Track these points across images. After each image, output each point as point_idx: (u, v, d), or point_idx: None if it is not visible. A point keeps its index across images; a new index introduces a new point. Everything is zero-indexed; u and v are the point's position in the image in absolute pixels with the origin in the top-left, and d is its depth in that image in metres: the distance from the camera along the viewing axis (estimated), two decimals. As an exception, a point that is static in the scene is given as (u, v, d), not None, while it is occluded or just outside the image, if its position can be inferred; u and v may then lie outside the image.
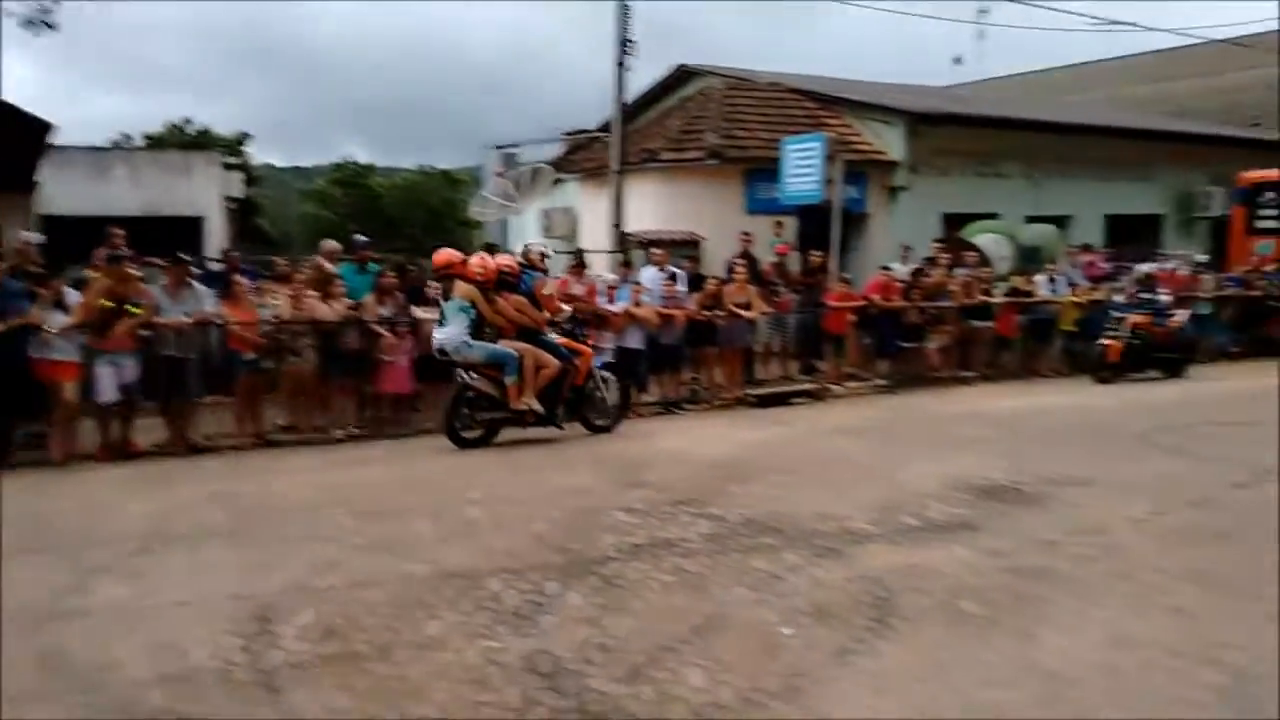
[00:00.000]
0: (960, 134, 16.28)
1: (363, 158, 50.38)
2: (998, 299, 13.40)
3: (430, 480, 7.31)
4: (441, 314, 8.69)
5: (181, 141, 30.14)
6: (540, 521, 6.03)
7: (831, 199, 12.68)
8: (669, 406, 10.99)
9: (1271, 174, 17.24)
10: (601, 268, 12.55)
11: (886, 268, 12.96)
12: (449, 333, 8.47)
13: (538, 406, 8.62)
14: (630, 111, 18.09)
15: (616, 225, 13.46)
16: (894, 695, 3.78)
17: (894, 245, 13.91)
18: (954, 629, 4.43)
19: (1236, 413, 10.32)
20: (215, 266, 12.16)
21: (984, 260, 13.95)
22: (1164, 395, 11.86)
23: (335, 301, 9.32)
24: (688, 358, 11.32)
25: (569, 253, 11.53)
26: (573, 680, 3.87)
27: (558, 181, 17.26)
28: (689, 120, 15.31)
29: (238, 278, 9.42)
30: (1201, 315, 15.31)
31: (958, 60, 27.47)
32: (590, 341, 9.46)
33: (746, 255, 12.49)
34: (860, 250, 15.89)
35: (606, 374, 9.49)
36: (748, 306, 11.55)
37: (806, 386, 12.08)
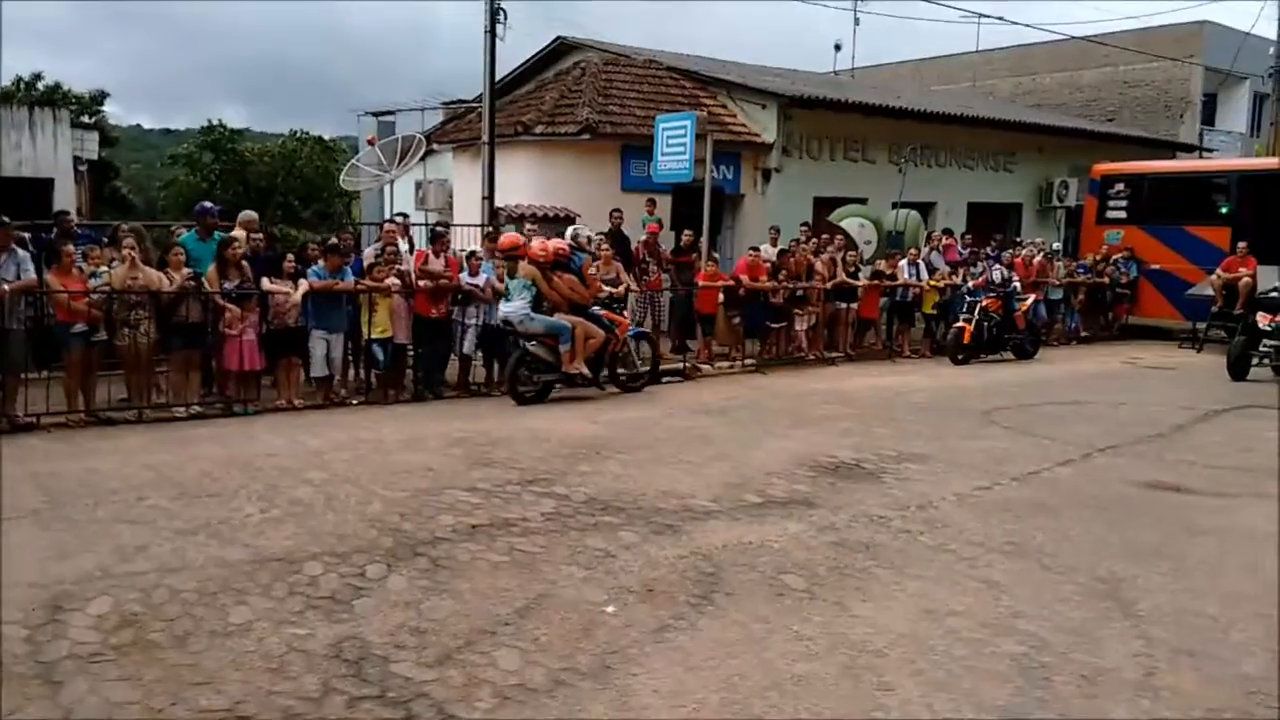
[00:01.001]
0: (831, 119, 16.60)
1: (239, 122, 48.11)
2: (862, 281, 13.76)
3: (268, 460, 7.00)
4: (506, 290, 9.83)
5: (30, 100, 28.04)
6: (377, 502, 5.85)
7: (703, 178, 12.73)
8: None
9: (1122, 167, 18.19)
10: (473, 241, 12.29)
11: (755, 248, 13.11)
12: (514, 306, 9.62)
13: (586, 370, 9.90)
14: (508, 84, 17.84)
15: (488, 198, 13.20)
16: (705, 671, 3.81)
17: (767, 226, 14.08)
18: (774, 603, 4.50)
19: (1076, 393, 10.90)
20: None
21: (850, 244, 14.27)
22: (1013, 376, 12.42)
23: (175, 272, 8.82)
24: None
25: (433, 225, 11.23)
26: (378, 667, 3.75)
27: (431, 152, 16.82)
28: (564, 94, 15.10)
29: (67, 244, 8.79)
30: (1053, 300, 16.14)
31: (838, 46, 28.00)
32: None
33: (616, 233, 12.43)
34: (734, 230, 16.09)
35: (638, 341, 10.81)
36: (616, 283, 11.51)
37: (677, 365, 12.15)
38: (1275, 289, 12.37)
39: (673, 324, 12.96)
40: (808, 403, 10.07)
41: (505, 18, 12.92)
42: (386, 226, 10.96)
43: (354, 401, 9.78)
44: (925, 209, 17.55)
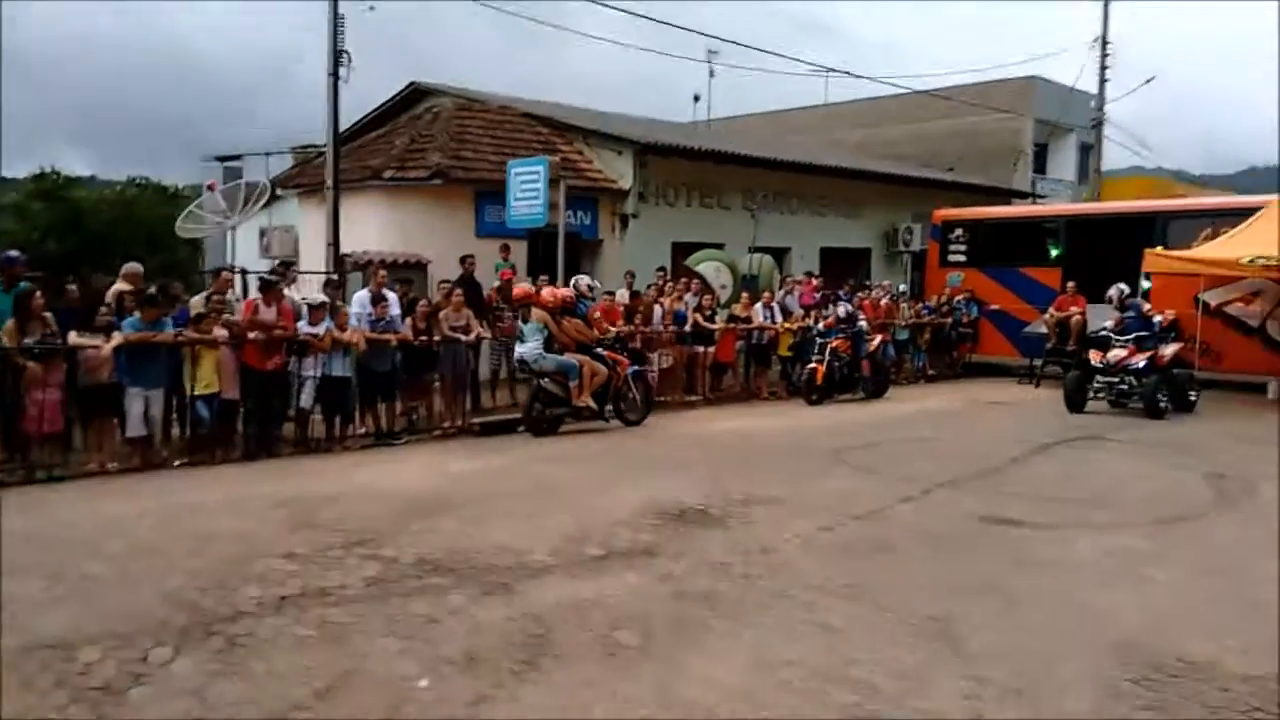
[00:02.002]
0: (687, 166, 16.85)
1: (85, 170, 45.44)
2: (718, 325, 13.86)
3: (67, 532, 6.32)
4: (521, 333, 10.83)
5: None
6: (177, 575, 5.31)
7: (557, 223, 12.61)
8: (382, 438, 10.35)
9: (961, 212, 19.13)
10: (314, 289, 11.73)
11: (610, 292, 13.04)
12: (530, 347, 10.65)
13: (593, 404, 10.88)
14: (360, 130, 17.39)
15: (332, 244, 12.67)
16: (520, 746, 3.52)
17: (625, 272, 14.06)
18: (604, 664, 4.25)
19: (920, 430, 11.18)
20: None
21: (706, 288, 14.39)
22: (864, 415, 12.66)
23: (-36, 326, 7.99)
24: (403, 386, 10.75)
25: (264, 274, 10.65)
26: (141, 768, 3.29)
27: (277, 198, 16.15)
28: (415, 139, 14.77)
29: None
30: (901, 341, 16.70)
31: (696, 98, 28.73)
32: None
33: (467, 279, 12.12)
34: (593, 276, 15.98)
35: (634, 379, 11.54)
36: (467, 330, 11.18)
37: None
38: (1104, 328, 13.09)
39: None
40: (663, 448, 9.95)
41: (349, 60, 12.55)
42: (223, 274, 10.36)
43: (176, 464, 9.04)
44: (780, 254, 17.96)
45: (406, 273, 13.00)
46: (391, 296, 10.73)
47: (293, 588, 5.13)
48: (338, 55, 12.40)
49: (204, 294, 9.86)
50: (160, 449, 9.15)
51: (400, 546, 5.95)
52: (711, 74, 26.96)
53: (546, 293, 11.02)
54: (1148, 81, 24.51)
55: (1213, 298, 14.72)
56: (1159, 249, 14.20)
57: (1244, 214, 14.13)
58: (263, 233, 16.46)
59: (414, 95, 17.72)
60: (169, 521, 6.57)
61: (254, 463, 9.15)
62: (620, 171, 15.90)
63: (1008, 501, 7.46)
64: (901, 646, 4.52)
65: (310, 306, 10.06)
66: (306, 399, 9.80)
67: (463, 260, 12.36)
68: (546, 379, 10.70)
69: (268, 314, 9.52)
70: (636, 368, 11.79)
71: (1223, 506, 7.51)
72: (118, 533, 6.25)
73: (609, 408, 11.20)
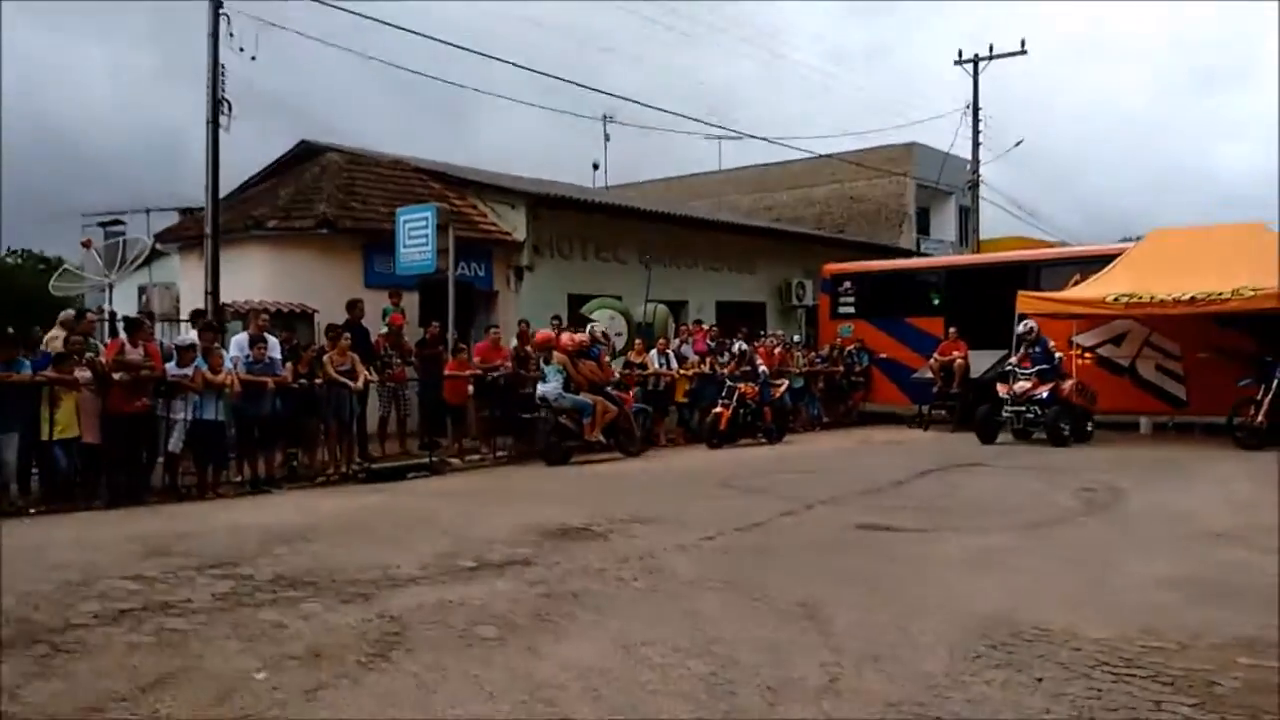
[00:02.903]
0: (582, 220, 17.04)
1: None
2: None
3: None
4: (543, 374, 11.85)
5: None
6: (9, 597, 4.91)
7: (446, 269, 12.54)
8: (261, 486, 9.92)
9: (849, 266, 19.76)
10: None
11: (493, 326, 13.09)
12: (551, 387, 11.63)
13: (602, 439, 11.94)
14: (247, 186, 17.10)
15: (211, 292, 12.30)
16: (357, 724, 3.32)
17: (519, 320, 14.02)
18: (459, 653, 4.09)
19: (809, 466, 11.31)
20: None
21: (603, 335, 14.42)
22: (762, 454, 12.80)
23: None
24: (284, 432, 10.37)
25: (126, 317, 10.26)
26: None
27: (158, 254, 15.67)
28: (301, 190, 14.58)
29: None
30: (797, 389, 16.98)
31: (596, 165, 29.27)
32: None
33: (355, 326, 11.86)
34: (499, 331, 15.87)
35: (638, 415, 12.72)
36: (353, 376, 10.91)
37: (423, 461, 11.56)
38: (1009, 363, 13.74)
39: (421, 418, 12.42)
40: (551, 485, 9.81)
41: (230, 109, 12.40)
42: (88, 316, 9.92)
43: (32, 511, 8.48)
44: (678, 307, 18.19)
45: (292, 322, 12.69)
46: (272, 340, 10.41)
47: (134, 603, 4.82)
48: (217, 104, 12.23)
49: (63, 334, 9.40)
50: (15, 498, 8.59)
51: (258, 567, 5.67)
52: (608, 138, 27.54)
53: (565, 338, 12.16)
54: (1016, 144, 26.15)
55: (1085, 340, 15.46)
56: (1030, 292, 14.88)
57: (1108, 260, 14.97)
58: (142, 290, 15.89)
59: (305, 153, 17.54)
60: (11, 556, 6.12)
61: (118, 510, 8.64)
62: (514, 224, 15.97)
63: (885, 513, 7.56)
64: (766, 627, 4.49)
65: (179, 348, 9.68)
66: (175, 443, 9.35)
67: (350, 306, 12.12)
68: (563, 415, 11.67)
69: (134, 354, 9.11)
70: (639, 406, 12.94)
71: (1089, 513, 7.77)
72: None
73: (614, 440, 12.20)
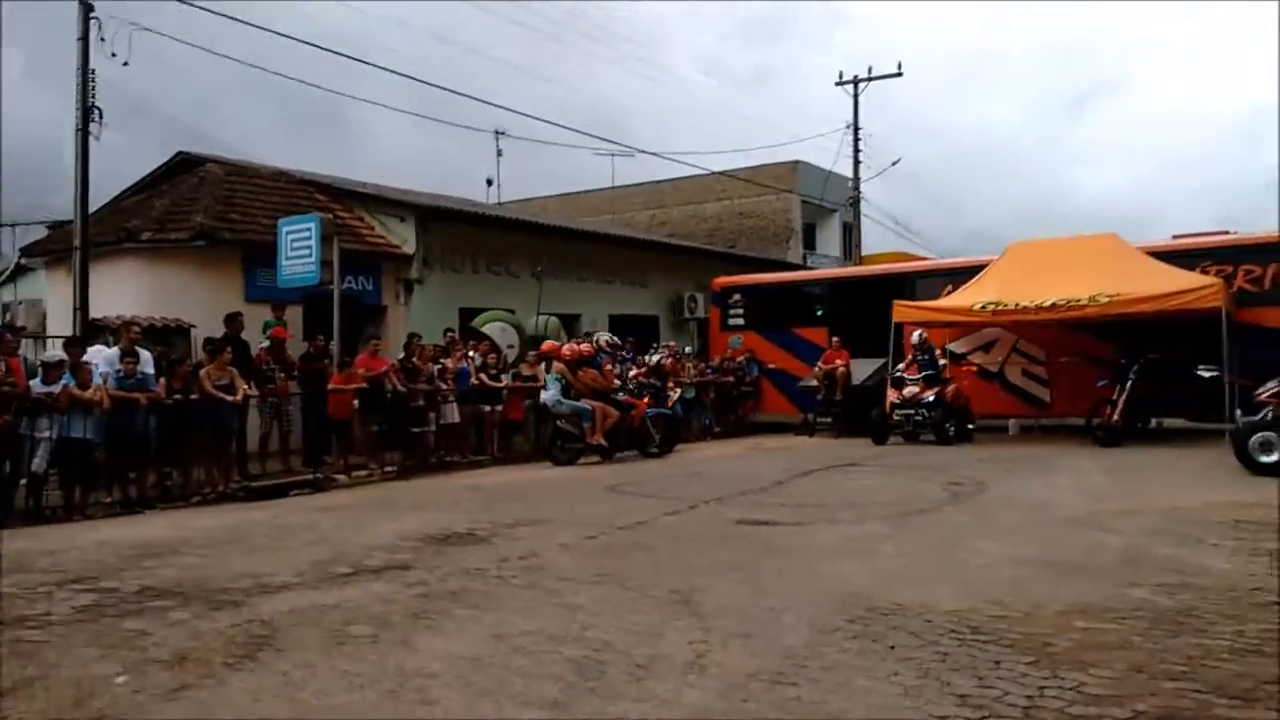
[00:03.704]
0: (473, 233, 16.99)
1: None
2: (504, 383, 13.85)
3: None
4: (545, 382, 12.77)
5: None
6: None
7: (331, 282, 12.32)
8: (133, 506, 9.54)
9: (738, 279, 20.24)
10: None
11: (375, 337, 12.94)
12: (550, 394, 12.50)
13: (604, 442, 12.58)
14: (121, 198, 16.44)
15: (80, 309, 11.79)
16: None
17: (409, 334, 13.87)
18: (331, 650, 4.07)
19: (698, 470, 11.54)
20: None
21: (494, 347, 14.41)
22: (654, 464, 12.93)
23: None
24: (159, 450, 10.01)
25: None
26: None
27: (23, 270, 14.92)
28: (177, 201, 14.10)
29: None
30: (689, 400, 17.26)
31: (489, 181, 29.17)
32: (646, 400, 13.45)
33: (234, 340, 11.54)
34: (379, 342, 15.64)
35: (654, 420, 13.39)
36: (232, 390, 10.61)
37: (308, 477, 11.31)
38: (898, 370, 14.38)
39: (304, 435, 12.14)
40: (437, 494, 9.74)
41: (101, 116, 11.95)
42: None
43: (-124, 537, 7.96)
44: (571, 320, 18.28)
45: (168, 337, 12.26)
46: (145, 354, 10.07)
47: (-15, 619, 4.62)
48: (87, 111, 11.78)
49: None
50: None
51: (124, 580, 5.50)
52: (500, 153, 27.50)
53: (566, 349, 13.04)
54: (894, 163, 27.13)
55: (958, 348, 16.24)
56: (905, 302, 15.57)
57: (977, 271, 15.78)
58: (5, 308, 15.10)
59: (183, 164, 16.98)
60: None
61: (-28, 532, 8.19)
62: (403, 237, 15.80)
63: (765, 510, 7.82)
64: (640, 614, 4.61)
65: (45, 364, 9.26)
66: (39, 463, 8.93)
67: (229, 320, 11.79)
68: (562, 420, 12.46)
69: (-11, 369, 8.68)
70: (655, 409, 13.49)
71: (953, 503, 8.19)
72: None
73: (619, 444, 12.87)
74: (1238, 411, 10.69)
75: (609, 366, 13.62)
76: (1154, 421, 14.86)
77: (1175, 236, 15.51)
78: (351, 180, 17.96)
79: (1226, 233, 15.19)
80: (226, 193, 14.55)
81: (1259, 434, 9.50)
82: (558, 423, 12.58)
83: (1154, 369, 12.96)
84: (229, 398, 10.51)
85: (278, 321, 12.35)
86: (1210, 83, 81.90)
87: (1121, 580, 5.10)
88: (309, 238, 12.23)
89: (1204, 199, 65.38)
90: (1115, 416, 13.00)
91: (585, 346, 13.23)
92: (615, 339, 14.31)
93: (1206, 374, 12.18)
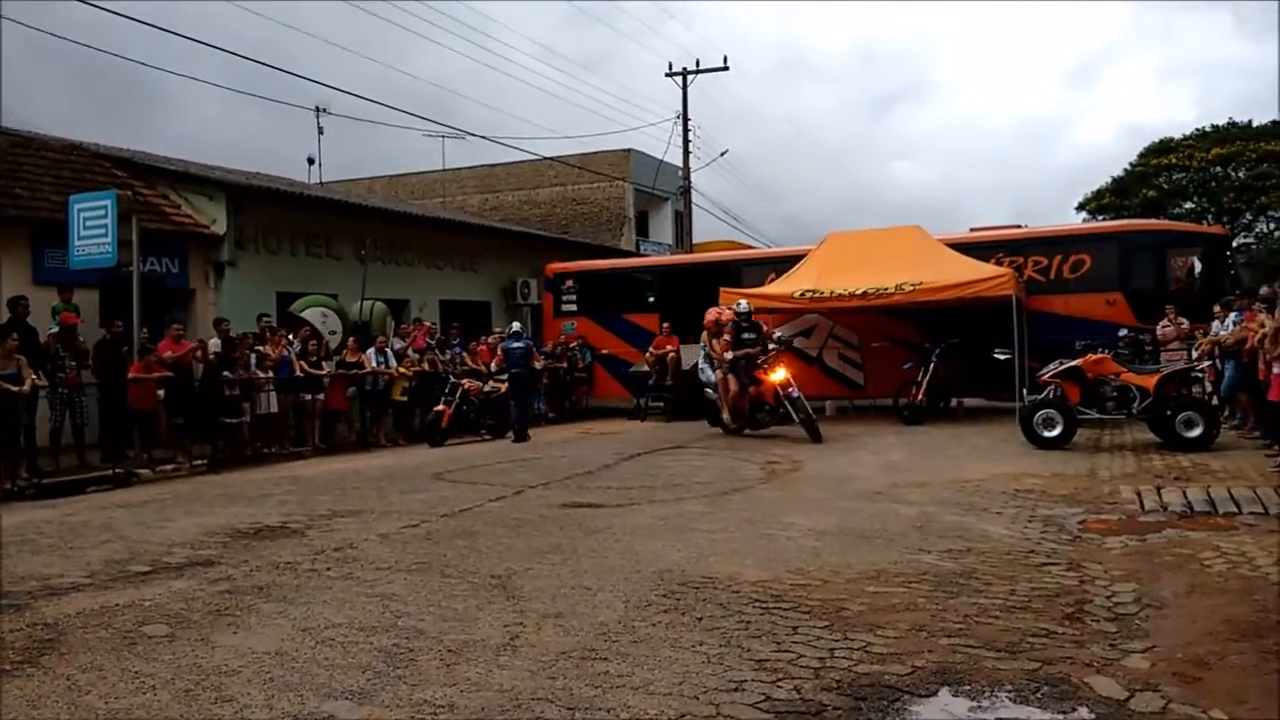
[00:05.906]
0: (292, 214, 16.23)
1: None
2: (325, 371, 13.37)
3: None
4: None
5: None
6: None
7: (130, 263, 11.48)
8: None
9: (570, 266, 20.30)
10: None
11: (177, 323, 12.22)
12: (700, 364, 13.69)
13: (728, 419, 12.88)
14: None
15: None
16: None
17: (215, 319, 13.12)
18: (121, 651, 3.86)
19: (527, 456, 11.53)
20: None
21: (315, 334, 13.86)
22: (483, 450, 12.82)
23: None
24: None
25: None
26: None
27: None
28: (-50, 174, 12.76)
29: None
30: (523, 385, 17.20)
31: (311, 160, 27.87)
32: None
33: (19, 324, 10.58)
34: (186, 326, 14.73)
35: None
36: (19, 380, 9.74)
37: (107, 473, 10.53)
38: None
39: (101, 427, 11.31)
40: (251, 487, 9.31)
41: None
42: None
43: None
44: (399, 306, 17.80)
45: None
46: (-91, 342, 9.09)
47: None
48: None
49: None
50: None
51: (-119, 590, 4.98)
52: (321, 131, 26.34)
53: (710, 315, 13.69)
54: (722, 154, 28.08)
55: (783, 332, 16.94)
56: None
57: (799, 260, 16.50)
58: None
59: (-42, 134, 15.34)
60: None
61: None
62: (213, 216, 14.88)
63: (590, 493, 7.93)
64: (457, 600, 4.61)
65: None
66: None
67: (13, 304, 10.79)
68: (709, 390, 13.32)
69: None
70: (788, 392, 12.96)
71: (768, 481, 8.58)
72: None
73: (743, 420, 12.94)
74: (1024, 390, 11.71)
75: (724, 338, 13.18)
76: (955, 401, 16.02)
77: (973, 229, 16.73)
78: (155, 155, 16.78)
79: (1019, 226, 16.55)
80: (11, 165, 13.26)
81: (1042, 411, 10.45)
82: (707, 392, 13.63)
83: (954, 352, 13.98)
84: (15, 388, 9.67)
85: (66, 306, 11.40)
86: (1011, 88, 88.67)
87: (911, 546, 5.51)
88: (104, 216, 11.35)
89: (1000, 194, 70.96)
90: (919, 397, 13.92)
91: (727, 314, 13.40)
92: (749, 306, 13.56)
93: (1001, 357, 13.22)
